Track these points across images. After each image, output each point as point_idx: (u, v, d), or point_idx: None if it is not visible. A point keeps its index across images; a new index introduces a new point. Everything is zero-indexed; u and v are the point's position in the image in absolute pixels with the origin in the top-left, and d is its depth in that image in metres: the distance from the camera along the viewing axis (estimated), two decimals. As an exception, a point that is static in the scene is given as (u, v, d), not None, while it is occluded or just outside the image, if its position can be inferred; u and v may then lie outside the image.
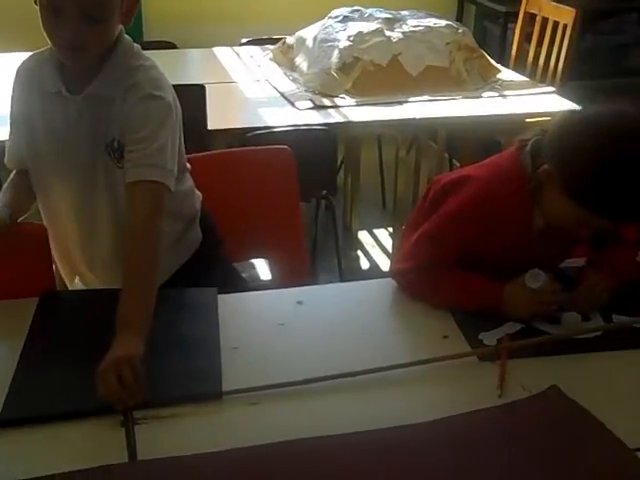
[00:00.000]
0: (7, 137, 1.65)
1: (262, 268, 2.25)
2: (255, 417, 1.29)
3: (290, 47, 3.43)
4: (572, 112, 1.52)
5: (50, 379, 1.34)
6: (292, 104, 2.97)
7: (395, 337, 1.54)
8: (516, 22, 4.03)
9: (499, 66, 3.43)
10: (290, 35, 3.51)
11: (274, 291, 1.70)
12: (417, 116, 2.92)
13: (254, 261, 2.24)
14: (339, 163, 3.84)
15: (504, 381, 1.37)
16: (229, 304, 1.59)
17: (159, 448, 1.20)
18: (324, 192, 3.01)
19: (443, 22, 3.38)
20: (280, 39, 3.62)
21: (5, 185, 1.65)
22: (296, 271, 2.17)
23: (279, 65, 3.46)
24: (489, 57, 3.40)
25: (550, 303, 1.52)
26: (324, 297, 1.69)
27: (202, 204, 1.80)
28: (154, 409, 1.28)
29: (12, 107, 1.62)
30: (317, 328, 1.55)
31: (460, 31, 3.35)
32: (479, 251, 1.59)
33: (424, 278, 1.59)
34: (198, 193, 1.80)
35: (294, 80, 3.24)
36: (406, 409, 1.31)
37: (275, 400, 1.32)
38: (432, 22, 3.34)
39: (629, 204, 1.39)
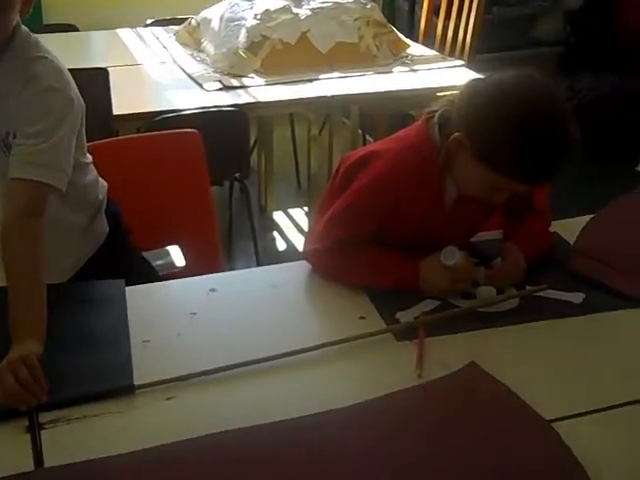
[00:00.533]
0: None
1: (177, 255, 2.19)
2: (171, 411, 1.24)
3: (196, 27, 3.36)
4: (478, 80, 1.51)
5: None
6: (200, 86, 2.91)
7: (311, 320, 1.51)
8: (424, -4, 4.03)
9: (408, 41, 3.43)
10: (195, 15, 3.43)
11: (185, 280, 1.65)
12: (328, 94, 2.89)
13: (169, 248, 2.18)
14: (252, 144, 3.79)
15: (422, 360, 1.36)
16: (138, 296, 1.53)
17: (68, 453, 1.13)
18: (237, 174, 2.96)
19: (350, -3, 3.35)
20: (185, 19, 3.54)
21: None
22: (210, 257, 2.13)
23: (185, 46, 3.38)
24: (398, 32, 3.39)
25: (465, 280, 1.52)
26: (237, 283, 1.64)
27: (107, 193, 1.73)
28: (62, 410, 1.22)
29: None
30: (231, 315, 1.51)
31: (368, 6, 3.33)
32: (393, 228, 1.57)
33: (337, 258, 1.56)
34: (103, 182, 1.73)
35: (201, 61, 3.18)
36: (326, 392, 1.28)
37: (191, 392, 1.28)
38: (339, -3, 3.32)
39: (539, 163, 1.39)
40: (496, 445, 1.16)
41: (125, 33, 3.63)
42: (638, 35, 4.66)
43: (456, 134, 1.45)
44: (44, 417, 1.20)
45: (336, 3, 3.27)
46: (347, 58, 3.16)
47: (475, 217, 1.62)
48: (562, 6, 4.77)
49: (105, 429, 1.20)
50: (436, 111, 1.54)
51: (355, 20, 3.23)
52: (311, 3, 3.25)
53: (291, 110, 3.11)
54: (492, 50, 4.57)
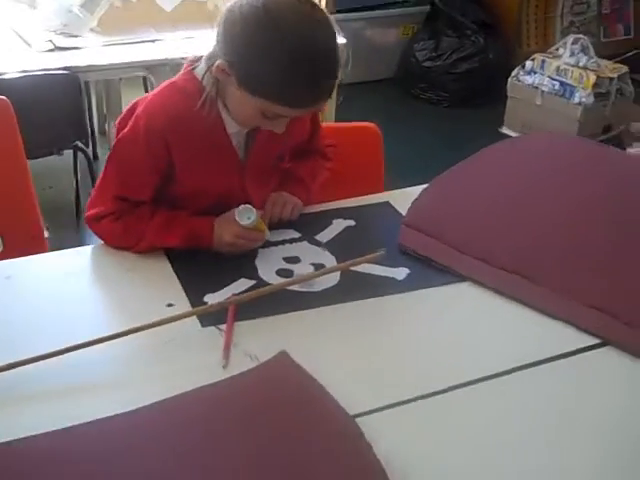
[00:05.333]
0: None
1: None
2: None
3: (29, -18, 3.09)
4: (235, 3, 1.39)
5: None
6: (28, 44, 2.67)
7: (111, 308, 1.38)
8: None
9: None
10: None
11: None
12: (169, 56, 2.70)
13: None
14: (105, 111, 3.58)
15: (229, 349, 1.24)
16: None
17: None
18: (76, 142, 2.76)
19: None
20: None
21: None
22: (32, 242, 1.93)
23: (19, 2, 3.11)
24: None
25: (253, 239, 1.47)
26: (35, 269, 1.48)
27: None
28: None
29: None
30: (26, 304, 1.35)
31: (216, -39, 3.15)
32: (185, 189, 1.48)
33: (121, 225, 1.46)
34: None
35: (34, 20, 2.92)
36: (129, 388, 1.16)
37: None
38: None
39: (294, 84, 1.30)
40: (298, 442, 1.07)
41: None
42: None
43: (218, 62, 1.34)
44: None
45: (181, -43, 3.07)
46: (194, 17, 2.96)
47: (267, 161, 1.56)
48: (426, -36, 4.70)
49: None
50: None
51: (202, -25, 3.05)
52: (154, -42, 3.04)
53: (130, 74, 2.91)
54: (356, 9, 4.48)
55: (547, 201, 1.58)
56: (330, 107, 2.83)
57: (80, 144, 2.78)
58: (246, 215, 1.41)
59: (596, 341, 1.30)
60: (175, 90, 1.46)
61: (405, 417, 1.14)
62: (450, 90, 4.43)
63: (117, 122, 1.53)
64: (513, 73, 4.09)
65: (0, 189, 1.89)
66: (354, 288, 1.41)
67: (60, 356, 1.19)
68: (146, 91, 3.76)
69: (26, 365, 1.17)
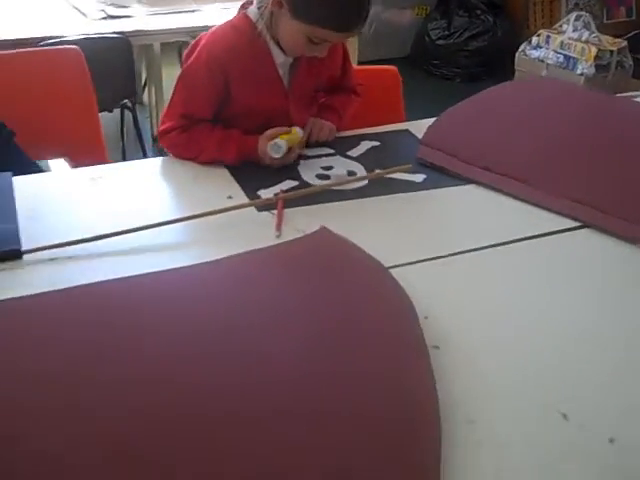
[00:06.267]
0: None
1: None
2: (55, 272, 1.40)
3: (80, -40, 3.42)
4: None
5: None
6: (83, 14, 2.99)
7: (180, 203, 1.68)
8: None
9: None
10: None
11: (70, 171, 1.80)
12: (209, 23, 3.01)
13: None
14: (143, 81, 3.89)
15: (281, 225, 1.55)
16: (26, 185, 1.66)
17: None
18: (126, 101, 3.08)
19: None
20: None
21: None
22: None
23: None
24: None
25: (287, 161, 1.77)
26: (114, 173, 1.79)
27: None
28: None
29: None
30: (107, 200, 1.66)
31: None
32: (236, 110, 1.79)
33: (187, 138, 1.77)
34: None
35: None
36: (196, 256, 1.45)
37: (74, 257, 1.44)
38: None
39: (341, 10, 1.62)
40: (340, 291, 1.34)
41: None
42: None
43: None
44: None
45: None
46: (229, -9, 3.28)
47: (307, 90, 1.86)
48: (438, -51, 5.01)
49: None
50: None
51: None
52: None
53: (174, 39, 3.23)
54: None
55: (541, 123, 1.89)
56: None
57: (128, 103, 3.10)
58: (276, 150, 1.72)
59: (577, 224, 1.60)
60: (230, 27, 1.78)
61: (427, 271, 1.44)
62: (462, 66, 4.73)
63: (184, 54, 1.85)
64: (520, 48, 4.38)
65: (74, 127, 2.21)
66: (381, 188, 1.72)
67: (138, 232, 1.49)
68: (181, 59, 4.11)
69: (108, 238, 1.47)
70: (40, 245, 1.44)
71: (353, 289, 1.32)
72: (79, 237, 1.46)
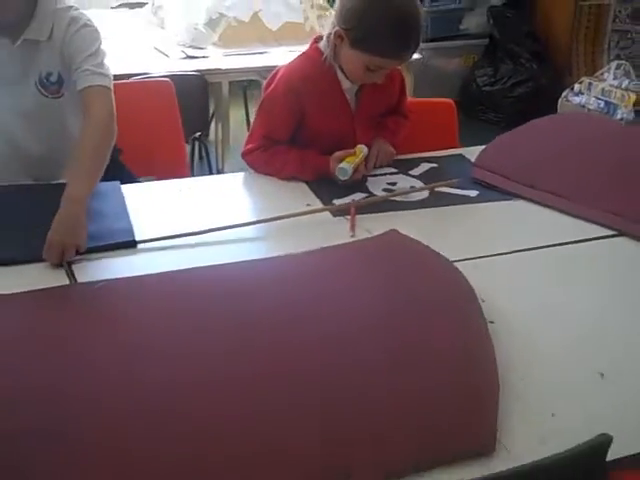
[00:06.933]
0: None
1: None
2: (165, 259, 1.66)
3: (160, 7, 3.77)
4: None
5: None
6: (166, 55, 3.32)
7: (267, 207, 1.93)
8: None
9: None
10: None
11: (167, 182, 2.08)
12: (279, 63, 3.32)
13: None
14: (210, 115, 4.20)
15: (354, 228, 1.80)
16: (131, 191, 1.95)
17: (92, 278, 1.56)
18: (198, 134, 3.38)
19: (296, -16, 3.81)
20: (146, 3, 3.95)
21: None
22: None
23: (149, 24, 3.78)
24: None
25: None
26: (199, 185, 2.08)
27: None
28: (85, 255, 1.63)
29: None
30: (201, 203, 1.93)
31: (311, -9, 3.80)
32: (309, 134, 2.05)
33: (269, 156, 2.04)
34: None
35: (165, 37, 3.58)
36: (279, 251, 1.71)
37: (182, 247, 1.70)
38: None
39: (394, 39, 1.88)
40: (411, 277, 1.56)
41: (92, 13, 4.00)
42: (551, 28, 5.23)
43: (335, 29, 1.93)
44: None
45: (284, -12, 3.73)
46: (294, 35, 3.61)
47: (371, 113, 2.13)
48: (486, 3, 5.31)
49: (115, 268, 1.61)
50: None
51: (301, 3, 3.69)
52: (262, -13, 3.70)
53: (245, 77, 3.55)
54: (424, 40, 5.08)
55: (582, 147, 2.13)
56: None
57: (199, 136, 3.40)
58: (341, 173, 1.96)
59: (614, 232, 1.82)
60: (305, 59, 2.07)
61: (482, 266, 1.67)
62: (507, 111, 4.99)
63: (265, 84, 2.14)
64: (563, 94, 4.63)
65: (163, 148, 2.50)
66: (440, 200, 1.96)
67: (227, 230, 1.75)
68: (245, 100, 4.44)
69: (204, 234, 1.72)
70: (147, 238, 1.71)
71: (422, 275, 1.56)
72: (179, 232, 1.73)
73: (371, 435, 1.13)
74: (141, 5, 4.03)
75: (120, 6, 4.19)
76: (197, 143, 3.51)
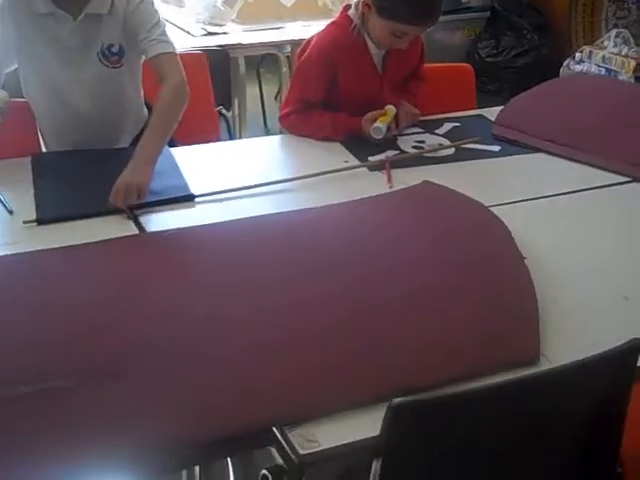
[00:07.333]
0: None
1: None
2: (222, 211, 1.81)
3: (177, -13, 3.91)
4: None
5: (66, 191, 1.83)
6: (188, 33, 3.46)
7: (309, 164, 2.08)
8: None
9: (357, -1, 4.03)
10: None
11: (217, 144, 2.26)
12: (295, 37, 3.48)
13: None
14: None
15: (391, 180, 1.95)
16: (183, 154, 2.12)
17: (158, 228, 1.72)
18: (220, 107, 3.51)
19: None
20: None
21: None
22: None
23: (167, 3, 3.91)
24: (348, -9, 4.00)
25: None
26: (247, 145, 2.25)
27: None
28: (148, 208, 1.79)
29: None
30: (245, 163, 2.09)
31: (323, -30, 3.93)
32: (341, 96, 2.20)
33: (303, 119, 2.20)
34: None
35: (184, 15, 3.72)
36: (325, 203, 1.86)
37: (237, 200, 1.86)
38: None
39: (416, 6, 2.05)
40: (450, 217, 1.72)
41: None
42: (550, 0, 5.38)
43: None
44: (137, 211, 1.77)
45: (297, -34, 3.86)
46: (308, 11, 3.75)
47: (397, 76, 2.29)
48: (487, -24, 5.44)
49: (177, 219, 1.77)
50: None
51: (313, -20, 3.83)
52: (276, -34, 3.83)
53: (265, 51, 3.69)
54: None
55: (594, 103, 2.29)
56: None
57: (223, 109, 3.53)
58: (376, 132, 2.11)
59: (627, 179, 1.99)
60: (336, 27, 2.22)
61: (509, 210, 1.82)
62: (510, 82, 5.12)
63: (298, 52, 2.30)
64: (565, 63, 4.77)
65: (197, 121, 2.64)
66: (466, 155, 2.12)
67: (278, 185, 1.91)
68: (259, 76, 4.58)
69: (253, 188, 1.88)
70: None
71: (459, 215, 1.73)
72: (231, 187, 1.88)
73: (440, 347, 1.30)
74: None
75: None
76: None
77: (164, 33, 2.00)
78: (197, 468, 1.83)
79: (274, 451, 1.15)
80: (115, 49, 2.02)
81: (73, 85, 2.05)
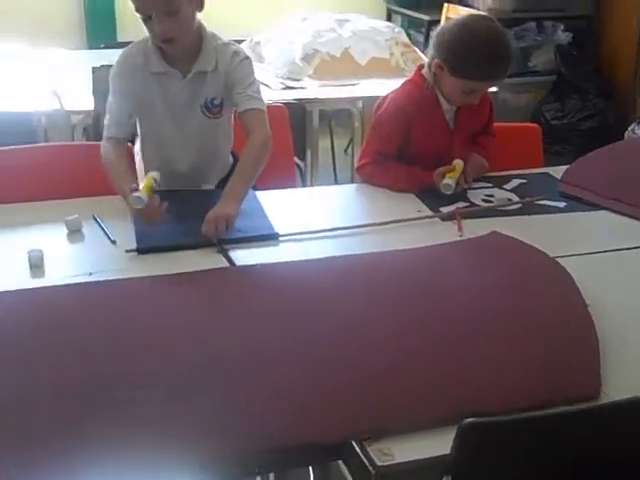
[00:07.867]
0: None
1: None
2: (304, 250, 1.96)
3: (258, 43, 4.13)
4: (445, 23, 2.31)
5: (161, 225, 1.99)
6: (267, 86, 3.66)
7: (383, 214, 2.22)
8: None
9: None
10: (253, 35, 4.22)
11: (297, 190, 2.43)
12: (369, 94, 3.65)
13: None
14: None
15: (462, 229, 2.08)
16: (267, 197, 2.28)
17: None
18: (296, 158, 3.70)
19: (383, 24, 4.15)
20: (243, 40, 4.30)
21: (117, 161, 2.12)
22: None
23: (248, 59, 4.14)
24: (419, 51, 4.18)
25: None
26: (322, 192, 2.41)
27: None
28: (237, 243, 1.95)
29: (117, 86, 2.18)
30: (320, 208, 2.24)
31: (396, 30, 4.13)
32: (413, 151, 2.35)
33: (380, 170, 2.35)
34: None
35: (263, 69, 3.93)
36: (398, 247, 1.99)
37: (317, 241, 2.02)
38: (374, 24, 4.12)
39: (486, 64, 2.20)
40: (515, 267, 1.84)
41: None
42: (617, 64, 5.50)
43: (435, 60, 2.26)
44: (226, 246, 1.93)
45: (371, 27, 4.07)
46: (381, 70, 3.93)
47: (467, 131, 2.43)
48: (553, 40, 5.59)
49: (262, 256, 1.92)
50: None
51: (386, 40, 4.02)
52: (352, 27, 4.04)
53: (340, 106, 3.88)
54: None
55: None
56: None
57: (298, 160, 3.71)
58: (446, 188, 2.23)
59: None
60: (411, 84, 2.39)
61: (575, 262, 1.93)
62: (575, 144, 5.23)
63: (375, 106, 2.46)
64: (630, 127, 4.87)
65: (278, 166, 2.81)
66: (532, 210, 2.24)
67: (353, 230, 2.06)
68: (330, 130, 4.77)
69: (331, 231, 2.03)
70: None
71: (524, 263, 1.86)
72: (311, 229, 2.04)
73: (507, 379, 1.42)
74: (239, 41, 4.38)
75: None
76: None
77: (258, 91, 2.20)
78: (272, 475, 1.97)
79: (343, 467, 1.31)
80: (217, 101, 2.22)
81: (177, 139, 2.25)
